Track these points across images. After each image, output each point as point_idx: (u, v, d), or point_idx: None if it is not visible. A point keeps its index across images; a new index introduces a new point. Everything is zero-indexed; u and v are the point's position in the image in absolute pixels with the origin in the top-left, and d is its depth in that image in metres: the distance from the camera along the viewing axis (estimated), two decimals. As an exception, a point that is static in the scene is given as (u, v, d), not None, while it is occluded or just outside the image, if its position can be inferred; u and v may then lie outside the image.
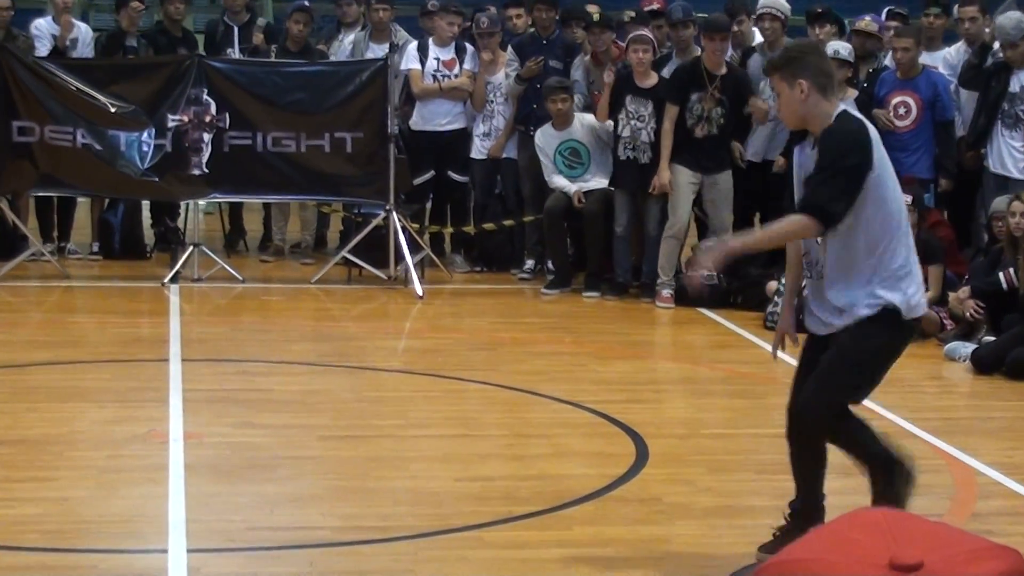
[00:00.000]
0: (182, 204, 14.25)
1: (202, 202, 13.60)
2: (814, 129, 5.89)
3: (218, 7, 15.69)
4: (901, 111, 12.27)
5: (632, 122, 12.57)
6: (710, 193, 12.54)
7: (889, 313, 5.84)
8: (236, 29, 14.55)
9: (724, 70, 12.43)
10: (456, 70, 13.72)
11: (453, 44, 13.76)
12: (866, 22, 13.14)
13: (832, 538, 1.14)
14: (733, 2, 13.53)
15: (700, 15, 13.14)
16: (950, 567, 1.14)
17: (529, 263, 13.63)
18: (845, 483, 6.35)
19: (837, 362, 5.89)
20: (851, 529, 1.16)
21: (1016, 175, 12.01)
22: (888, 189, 5.84)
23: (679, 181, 12.39)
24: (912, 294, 5.89)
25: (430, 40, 13.83)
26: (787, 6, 13.02)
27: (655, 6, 13.89)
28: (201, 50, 14.27)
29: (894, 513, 1.18)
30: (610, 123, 12.69)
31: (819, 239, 5.88)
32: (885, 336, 5.90)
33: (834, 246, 5.85)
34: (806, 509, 6.13)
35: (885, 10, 13.81)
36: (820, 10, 13.36)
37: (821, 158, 5.80)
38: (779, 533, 6.08)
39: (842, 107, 5.93)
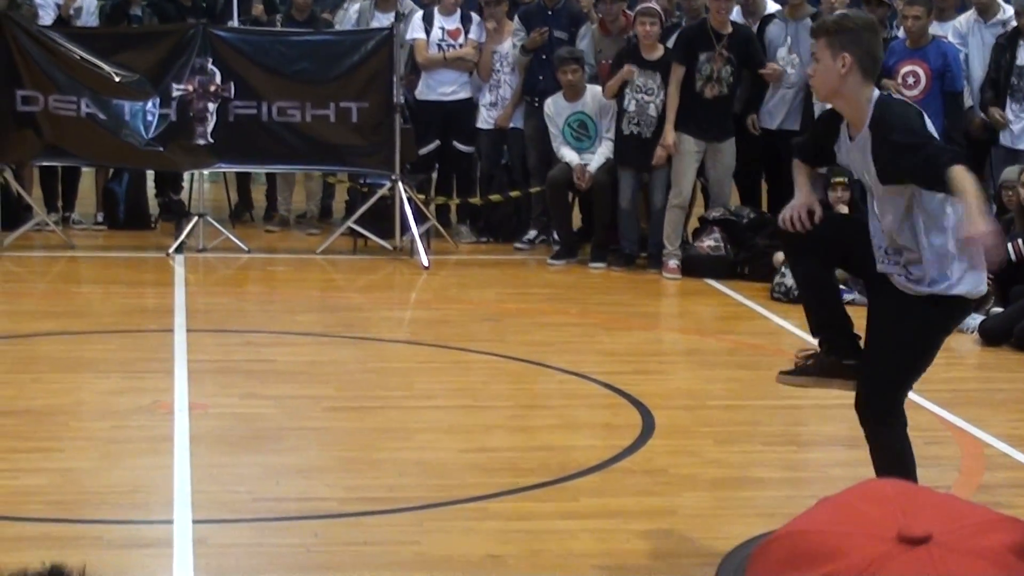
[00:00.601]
0: (185, 176, 14.26)
1: (206, 172, 13.58)
2: (844, 108, 5.64)
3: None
4: (910, 80, 12.23)
5: (639, 96, 12.53)
6: (713, 162, 12.52)
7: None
8: (236, 0, 14.52)
9: (730, 29, 12.40)
10: (461, 39, 13.67)
11: (458, 13, 13.72)
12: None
13: (839, 510, 1.14)
14: None
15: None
16: (958, 539, 1.13)
17: (531, 233, 13.61)
18: (853, 455, 6.35)
19: (888, 333, 5.71)
20: (859, 501, 1.15)
21: (1023, 146, 12.02)
22: None
23: (684, 150, 12.36)
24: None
25: (435, 9, 13.78)
26: None
27: None
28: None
29: (903, 484, 1.18)
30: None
31: (901, 226, 5.57)
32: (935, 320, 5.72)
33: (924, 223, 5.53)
34: (838, 343, 5.91)
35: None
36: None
37: (897, 139, 5.42)
38: (810, 360, 5.95)
39: (876, 93, 5.61)
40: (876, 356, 5.74)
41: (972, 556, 1.20)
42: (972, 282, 5.61)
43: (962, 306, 5.79)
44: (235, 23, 14.12)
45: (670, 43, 12.70)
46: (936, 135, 5.59)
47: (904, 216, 5.51)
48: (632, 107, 12.53)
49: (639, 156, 12.53)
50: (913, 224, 5.52)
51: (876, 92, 5.62)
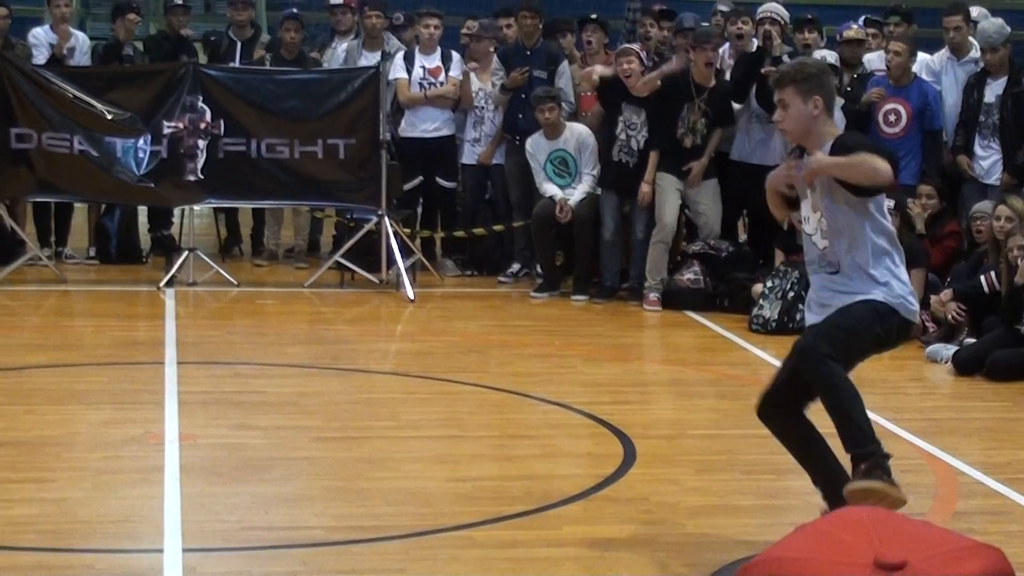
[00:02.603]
0: (175, 213, 14.26)
1: (197, 207, 13.57)
2: (811, 147, 5.92)
3: (214, 16, 15.69)
4: (891, 118, 12.29)
5: (625, 129, 12.59)
6: (699, 198, 12.57)
7: (890, 308, 5.91)
8: (240, 44, 14.55)
9: (713, 83, 12.45)
10: (442, 77, 13.70)
11: (439, 52, 13.75)
12: (854, 30, 13.15)
13: (817, 537, 1.14)
14: (736, 8, 13.51)
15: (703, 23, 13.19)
16: (933, 566, 1.13)
17: (515, 267, 13.62)
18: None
19: (833, 320, 5.89)
20: (836, 528, 1.15)
21: (992, 181, 12.10)
22: (883, 201, 6.00)
23: (665, 187, 12.42)
24: (909, 295, 6.00)
25: (416, 49, 13.81)
26: (786, 12, 13.01)
27: (656, 6, 13.92)
28: (203, 61, 14.26)
29: (879, 512, 1.17)
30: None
31: (825, 242, 5.93)
32: (882, 321, 5.92)
33: (846, 243, 5.89)
34: (828, 482, 6.10)
35: (862, 18, 13.83)
36: (810, 16, 13.40)
37: (844, 149, 5.80)
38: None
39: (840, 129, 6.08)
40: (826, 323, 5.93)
41: (946, 582, 1.20)
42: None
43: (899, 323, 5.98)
44: (237, 65, 14.12)
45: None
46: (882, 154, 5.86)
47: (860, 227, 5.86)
48: (623, 136, 12.58)
49: (622, 182, 12.61)
50: (865, 239, 5.87)
51: (838, 127, 6.12)
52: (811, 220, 6.02)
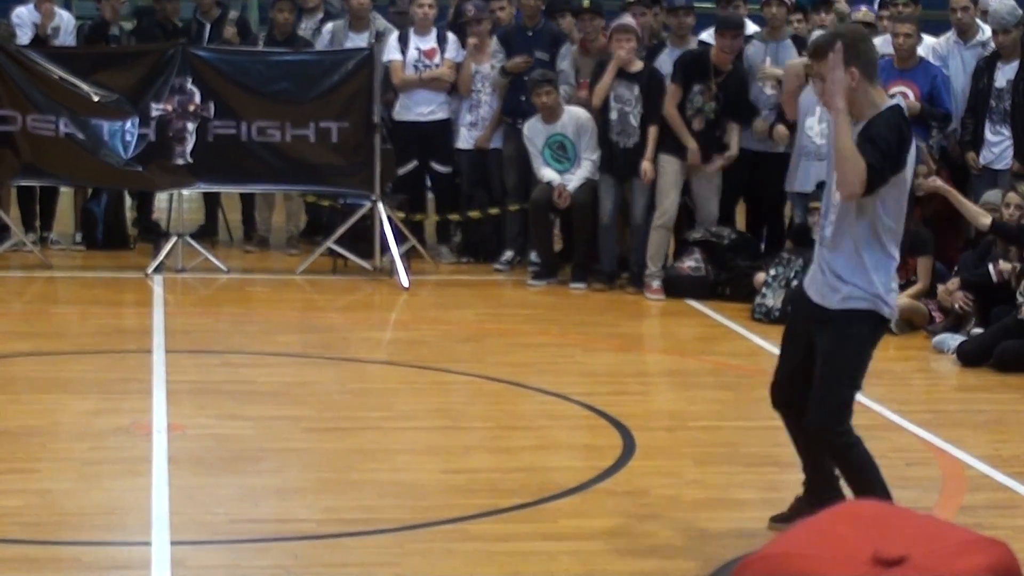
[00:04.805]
0: (156, 198, 14.27)
1: (185, 192, 13.56)
2: (858, 115, 5.96)
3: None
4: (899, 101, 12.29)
5: (619, 106, 12.59)
6: (698, 183, 12.57)
7: (872, 313, 6.04)
8: (208, 26, 14.53)
9: (730, 67, 12.45)
10: (437, 59, 13.67)
11: (434, 33, 13.73)
12: (864, 12, 13.15)
13: (816, 532, 1.14)
14: None
15: (699, 4, 13.20)
16: (936, 561, 1.13)
17: (508, 254, 13.59)
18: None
19: (828, 372, 6.02)
20: (835, 522, 1.15)
21: (1002, 167, 12.10)
22: (902, 194, 6.06)
23: (668, 170, 12.40)
24: (892, 290, 6.13)
25: (410, 30, 13.78)
26: None
27: None
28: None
29: (881, 506, 1.17)
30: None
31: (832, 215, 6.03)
32: (867, 329, 6.07)
33: (847, 221, 6.00)
34: (816, 483, 6.24)
35: (876, 1, 13.84)
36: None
37: (870, 132, 5.89)
38: (794, 505, 6.31)
39: (895, 102, 6.05)
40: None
41: (948, 579, 1.20)
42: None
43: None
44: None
45: (659, 62, 12.77)
46: (905, 163, 5.98)
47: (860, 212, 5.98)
48: (615, 116, 12.59)
49: (621, 164, 12.59)
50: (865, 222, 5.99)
51: (894, 100, 6.22)
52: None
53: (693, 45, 12.95)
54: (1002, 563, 1.25)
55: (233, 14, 15.09)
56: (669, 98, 12.37)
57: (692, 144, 12.30)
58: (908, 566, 1.21)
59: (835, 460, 6.13)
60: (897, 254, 6.13)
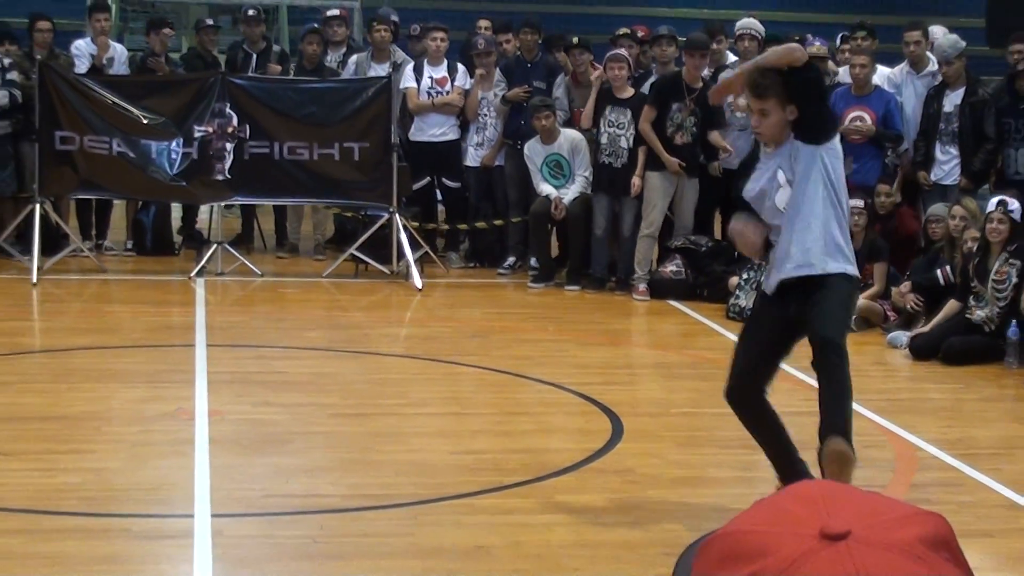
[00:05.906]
0: (199, 209, 14.30)
1: (224, 204, 13.58)
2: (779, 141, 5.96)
3: (239, 31, 15.68)
4: (857, 123, 12.30)
5: (611, 130, 12.60)
6: (680, 196, 12.58)
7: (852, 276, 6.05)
8: (254, 56, 14.56)
9: (701, 84, 12.46)
10: (448, 87, 13.72)
11: (445, 63, 13.78)
12: (816, 47, 13.14)
13: (770, 510, 1.16)
14: (711, 24, 13.54)
15: (681, 38, 13.18)
16: (875, 533, 1.14)
17: (510, 259, 13.62)
18: (801, 456, 6.36)
19: (831, 295, 5.94)
20: (788, 501, 1.17)
21: (950, 182, 12.13)
22: (839, 164, 6.00)
23: (655, 185, 12.40)
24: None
25: (424, 61, 13.83)
26: (762, 27, 13.04)
27: (640, 33, 13.93)
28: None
29: (830, 485, 1.19)
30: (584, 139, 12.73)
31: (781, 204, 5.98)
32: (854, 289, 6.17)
33: (804, 196, 5.93)
34: (783, 466, 6.17)
35: (840, 35, 13.84)
36: (797, 37, 13.36)
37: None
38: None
39: None
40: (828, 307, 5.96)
41: (886, 549, 1.21)
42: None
43: None
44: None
45: (645, 88, 12.78)
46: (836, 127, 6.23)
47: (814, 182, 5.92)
48: (605, 139, 12.60)
49: (612, 184, 12.59)
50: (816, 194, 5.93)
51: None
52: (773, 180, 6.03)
53: (677, 72, 12.96)
54: (939, 533, 1.27)
55: (277, 48, 15.10)
56: (643, 118, 12.37)
57: (667, 157, 12.30)
58: (851, 539, 1.22)
59: (833, 372, 5.87)
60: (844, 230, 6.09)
